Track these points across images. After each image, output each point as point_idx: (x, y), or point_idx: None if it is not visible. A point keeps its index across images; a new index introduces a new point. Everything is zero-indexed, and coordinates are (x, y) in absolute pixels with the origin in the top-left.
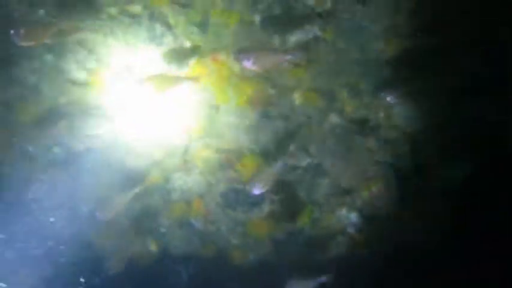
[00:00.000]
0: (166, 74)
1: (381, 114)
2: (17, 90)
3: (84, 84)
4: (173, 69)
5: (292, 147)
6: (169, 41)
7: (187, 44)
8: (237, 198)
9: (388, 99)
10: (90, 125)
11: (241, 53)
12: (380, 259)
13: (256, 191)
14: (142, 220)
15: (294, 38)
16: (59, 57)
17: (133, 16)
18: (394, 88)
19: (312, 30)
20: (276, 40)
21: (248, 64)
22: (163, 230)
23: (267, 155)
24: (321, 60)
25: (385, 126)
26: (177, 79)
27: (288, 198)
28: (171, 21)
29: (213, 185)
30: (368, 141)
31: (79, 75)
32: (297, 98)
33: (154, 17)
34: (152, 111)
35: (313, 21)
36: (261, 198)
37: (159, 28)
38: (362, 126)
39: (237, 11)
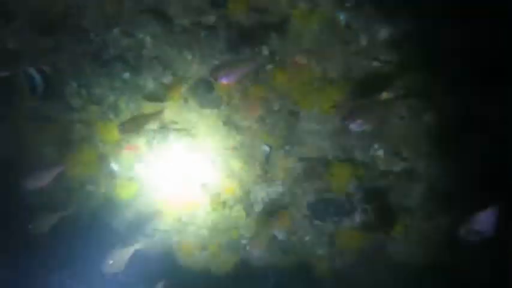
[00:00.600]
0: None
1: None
2: (97, 109)
3: (161, 99)
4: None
5: (380, 151)
6: (246, 49)
7: (266, 50)
8: (326, 209)
9: None
10: (168, 140)
11: (215, 71)
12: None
13: (356, 127)
14: (223, 233)
15: (384, 34)
16: (136, 74)
17: (209, 27)
18: None
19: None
20: (363, 39)
21: (225, 80)
22: (244, 242)
23: (355, 163)
24: (412, 56)
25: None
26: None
27: (381, 207)
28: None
29: (298, 195)
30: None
31: (156, 90)
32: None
33: (231, 26)
34: (230, 121)
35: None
36: (352, 207)
37: (235, 37)
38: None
39: (320, 10)
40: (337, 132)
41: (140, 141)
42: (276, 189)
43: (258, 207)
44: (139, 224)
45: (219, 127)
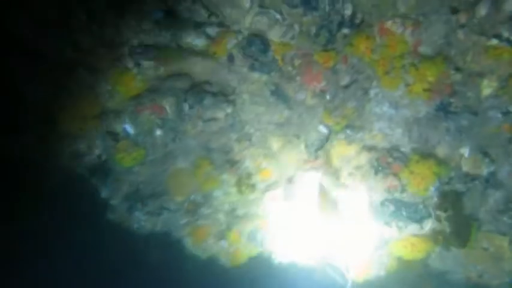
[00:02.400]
0: None
1: None
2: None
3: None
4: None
5: (466, 151)
6: (323, 4)
7: (348, 9)
8: (396, 211)
9: None
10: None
11: None
12: None
13: None
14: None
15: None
16: (172, 16)
17: None
18: None
19: None
20: (482, 8)
21: None
22: None
23: (439, 160)
24: None
25: None
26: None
27: (455, 216)
28: None
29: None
30: None
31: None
32: (487, 86)
33: None
34: (279, 91)
35: None
36: (427, 213)
37: None
38: None
39: None
40: (418, 121)
41: (167, 102)
42: (328, 180)
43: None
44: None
45: (265, 97)
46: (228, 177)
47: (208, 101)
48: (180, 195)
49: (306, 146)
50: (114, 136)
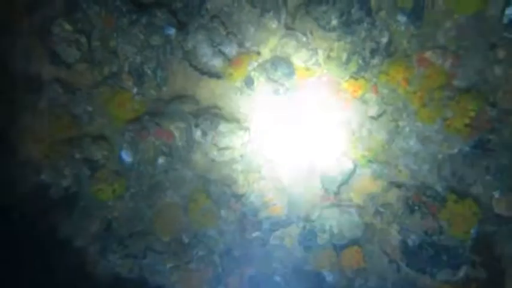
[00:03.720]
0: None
1: None
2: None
3: (216, 75)
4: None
5: (497, 192)
6: (359, 28)
7: (385, 37)
8: (435, 256)
9: None
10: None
11: None
12: None
13: None
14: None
15: None
16: (185, 32)
17: None
18: None
19: None
20: None
21: None
22: (278, 278)
23: (475, 200)
24: None
25: None
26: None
27: (490, 260)
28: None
29: (385, 231)
30: None
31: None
32: None
33: None
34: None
35: None
36: (466, 258)
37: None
38: None
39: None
40: (451, 158)
41: (176, 127)
42: (349, 218)
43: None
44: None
45: (276, 124)
46: (228, 214)
47: (223, 127)
48: (168, 234)
49: (325, 180)
50: (92, 164)
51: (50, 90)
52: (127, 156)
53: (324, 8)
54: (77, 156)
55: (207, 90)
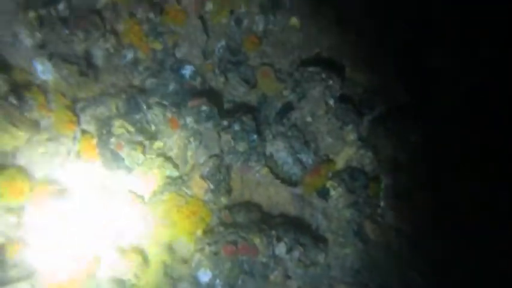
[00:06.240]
0: None
1: None
2: None
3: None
4: None
5: None
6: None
7: None
8: None
9: None
10: None
11: None
12: None
13: None
14: None
15: None
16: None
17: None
18: None
19: None
20: None
21: None
22: None
23: None
24: None
25: None
26: None
27: None
28: None
29: None
30: None
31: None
32: None
33: None
34: None
35: None
36: None
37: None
38: None
39: None
40: None
41: (260, 241)
42: None
43: None
44: None
45: (349, 237)
46: None
47: (305, 240)
48: None
49: None
50: None
51: None
52: (205, 276)
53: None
54: None
55: (282, 198)
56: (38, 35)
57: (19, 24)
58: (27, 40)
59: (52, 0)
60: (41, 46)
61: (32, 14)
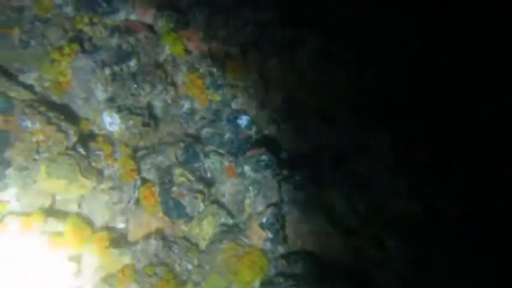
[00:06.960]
0: None
1: None
2: None
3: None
4: None
5: None
6: None
7: None
8: None
9: None
10: None
11: None
12: None
13: None
14: None
15: None
16: None
17: None
18: None
19: None
20: None
21: None
22: None
23: None
24: None
25: None
26: None
27: None
28: None
29: None
30: None
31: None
32: None
33: None
34: None
35: None
36: None
37: None
38: None
39: None
40: None
41: None
42: None
43: None
44: None
45: None
46: None
47: None
48: None
49: None
50: None
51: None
52: None
53: None
54: None
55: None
56: (110, 89)
57: (95, 80)
58: (100, 94)
59: (125, 57)
60: (111, 99)
61: (107, 71)
